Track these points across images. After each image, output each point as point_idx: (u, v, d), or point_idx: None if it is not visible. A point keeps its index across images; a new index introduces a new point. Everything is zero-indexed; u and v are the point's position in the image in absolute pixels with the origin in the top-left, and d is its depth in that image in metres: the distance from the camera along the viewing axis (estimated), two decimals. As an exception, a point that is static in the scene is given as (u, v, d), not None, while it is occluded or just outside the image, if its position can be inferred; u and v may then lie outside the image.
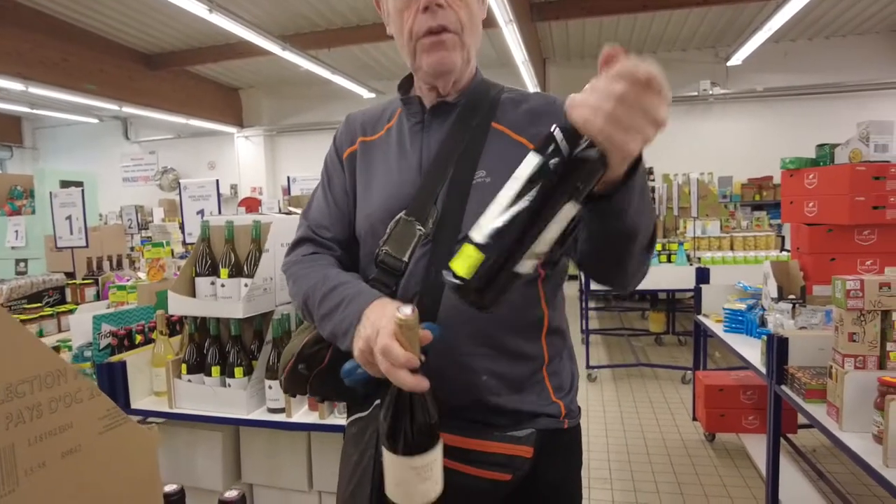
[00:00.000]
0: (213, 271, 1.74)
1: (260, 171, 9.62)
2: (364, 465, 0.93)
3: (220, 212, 2.91)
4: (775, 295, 2.60)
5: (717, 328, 2.80)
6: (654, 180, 7.33)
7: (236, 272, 1.73)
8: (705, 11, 6.29)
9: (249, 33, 5.56)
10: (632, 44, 7.25)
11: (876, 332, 1.65)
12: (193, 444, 1.85)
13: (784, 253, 4.38)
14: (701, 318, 3.10)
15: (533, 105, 0.97)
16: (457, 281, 0.64)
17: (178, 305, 1.75)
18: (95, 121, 10.03)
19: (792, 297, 2.55)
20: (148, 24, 6.30)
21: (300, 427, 1.68)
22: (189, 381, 1.75)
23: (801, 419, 2.30)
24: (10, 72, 5.73)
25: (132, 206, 8.32)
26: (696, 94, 7.57)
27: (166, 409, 1.76)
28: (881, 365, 1.65)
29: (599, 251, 0.82)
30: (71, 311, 2.78)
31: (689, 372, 4.05)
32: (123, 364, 1.77)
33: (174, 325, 2.07)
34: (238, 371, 1.71)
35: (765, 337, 2.13)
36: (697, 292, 3.18)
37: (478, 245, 0.63)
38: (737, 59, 7.01)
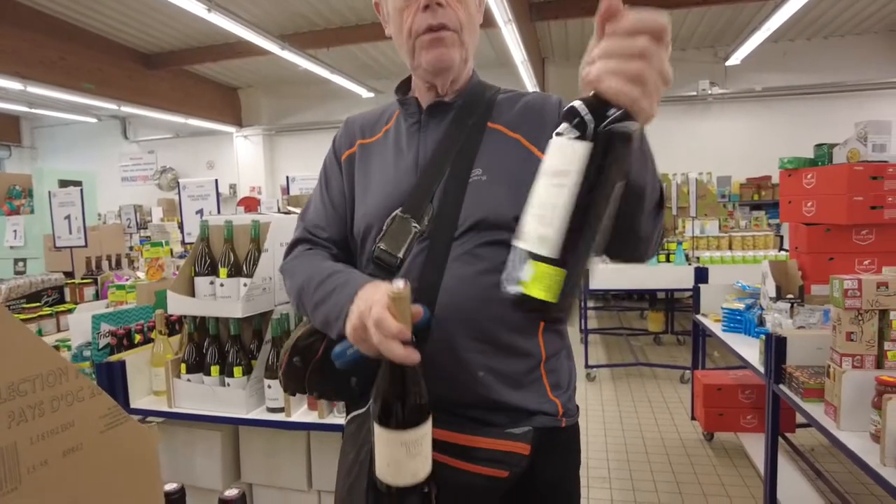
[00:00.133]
0: (213, 271, 1.74)
1: (259, 170, 9.61)
2: (361, 460, 0.93)
3: (219, 211, 2.91)
4: (774, 294, 2.61)
5: (716, 328, 2.80)
6: (652, 180, 7.31)
7: (235, 272, 1.73)
8: (704, 11, 6.29)
9: (248, 33, 5.56)
10: (631, 43, 7.22)
11: (873, 331, 1.65)
12: (192, 444, 1.85)
13: (782, 252, 4.39)
14: (699, 317, 3.10)
15: (527, 102, 0.99)
16: (541, 306, 0.57)
17: (178, 305, 1.75)
18: (94, 120, 10.02)
19: (790, 296, 2.55)
20: (147, 23, 6.29)
21: (299, 426, 1.68)
22: (188, 380, 1.76)
23: (800, 418, 2.30)
24: (9, 71, 5.72)
25: (131, 205, 8.32)
26: (694, 93, 7.58)
27: (165, 409, 1.77)
28: (879, 364, 1.66)
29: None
30: (70, 311, 2.77)
31: (688, 371, 4.06)
32: (122, 364, 1.77)
33: (173, 325, 2.07)
34: (237, 370, 1.71)
35: (763, 336, 2.13)
36: (696, 292, 3.19)
37: (552, 261, 0.56)
38: (735, 59, 7.02)
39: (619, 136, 0.56)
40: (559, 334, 0.99)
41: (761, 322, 2.54)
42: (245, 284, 1.69)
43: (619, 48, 0.56)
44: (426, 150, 0.97)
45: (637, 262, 0.87)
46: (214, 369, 1.74)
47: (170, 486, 0.61)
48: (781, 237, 4.79)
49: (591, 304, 5.98)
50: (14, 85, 6.08)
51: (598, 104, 0.57)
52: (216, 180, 2.94)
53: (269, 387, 1.68)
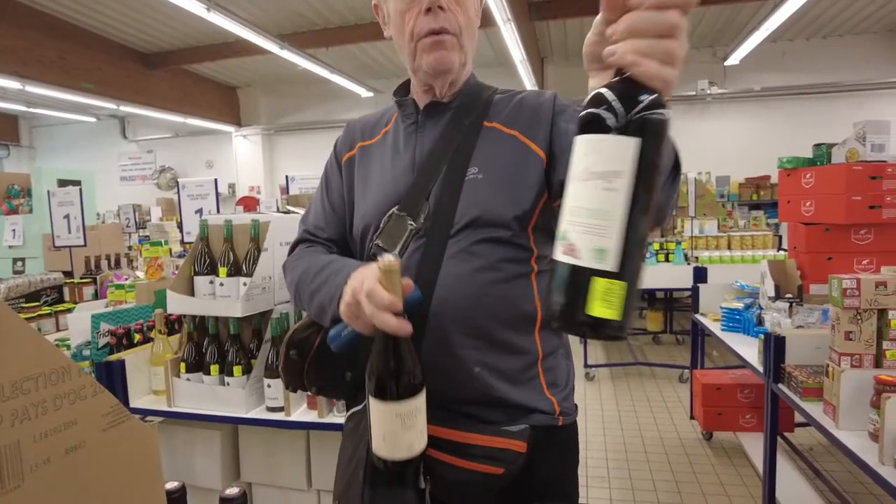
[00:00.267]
0: (212, 270, 1.74)
1: (258, 170, 9.60)
2: (359, 455, 0.95)
3: (218, 211, 2.91)
4: (772, 294, 2.61)
5: (715, 327, 2.81)
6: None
7: (235, 271, 1.73)
8: (703, 11, 6.30)
9: (247, 32, 5.55)
10: (630, 43, 7.23)
11: (872, 330, 1.66)
12: (192, 443, 1.86)
13: (781, 252, 4.39)
14: (698, 317, 3.11)
15: (522, 98, 1.00)
16: (607, 325, 0.52)
17: (177, 304, 1.75)
18: (93, 120, 10.00)
19: (789, 296, 2.56)
20: (145, 22, 6.28)
21: (299, 426, 1.68)
22: (188, 379, 1.76)
23: (798, 417, 2.31)
24: (7, 70, 5.71)
25: (130, 205, 8.31)
26: (693, 93, 7.58)
27: (165, 408, 1.77)
28: (877, 363, 1.66)
29: None
30: (69, 311, 2.77)
31: (687, 371, 4.07)
32: (122, 363, 1.77)
33: (173, 324, 2.07)
34: (237, 370, 1.71)
35: (762, 336, 2.14)
36: (695, 291, 3.19)
37: (614, 275, 0.51)
38: (734, 59, 7.02)
39: (662, 124, 0.52)
40: (557, 333, 0.99)
41: (760, 321, 2.54)
42: (244, 284, 1.69)
43: (651, 24, 0.50)
44: (423, 149, 0.98)
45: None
46: (214, 369, 1.74)
47: (171, 485, 0.62)
48: (780, 237, 4.80)
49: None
50: (12, 84, 6.07)
51: (629, 89, 0.51)
52: (215, 180, 2.94)
53: (269, 386, 1.69)
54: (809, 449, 3.04)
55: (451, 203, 0.91)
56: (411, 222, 0.92)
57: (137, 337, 2.02)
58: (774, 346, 2.02)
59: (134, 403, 1.80)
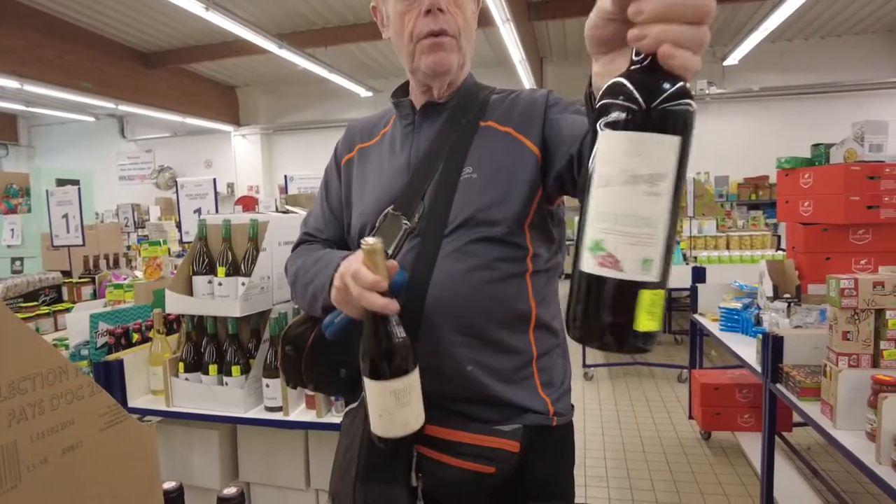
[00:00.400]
0: (211, 270, 1.74)
1: (257, 169, 9.60)
2: (352, 450, 0.96)
3: (217, 210, 2.91)
4: (771, 294, 2.62)
5: (713, 327, 2.81)
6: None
7: (233, 271, 1.73)
8: (702, 11, 6.29)
9: (246, 32, 5.55)
10: (629, 43, 7.24)
11: (870, 330, 1.66)
12: (190, 443, 1.85)
13: (780, 252, 4.40)
14: (697, 316, 3.11)
15: (517, 96, 1.01)
16: (649, 338, 0.49)
17: (176, 304, 1.75)
18: (91, 119, 10.00)
19: (787, 295, 2.56)
20: (144, 22, 6.28)
21: (297, 426, 1.68)
22: (186, 379, 1.76)
23: (796, 417, 2.31)
24: (6, 69, 5.70)
25: (129, 204, 8.30)
26: (692, 93, 7.60)
27: (163, 408, 1.77)
28: (875, 363, 1.66)
29: None
30: (67, 310, 2.77)
31: (686, 370, 4.07)
32: (120, 363, 1.77)
33: (171, 324, 2.07)
34: (235, 370, 1.71)
35: (760, 336, 2.14)
36: (694, 291, 3.20)
37: (656, 285, 0.48)
38: (733, 59, 7.03)
39: (694, 117, 0.48)
40: (553, 333, 0.99)
41: (758, 321, 2.55)
42: (243, 284, 1.69)
43: (689, 8, 0.46)
44: (419, 149, 0.99)
45: None
46: (212, 368, 1.74)
47: (168, 485, 0.62)
48: (779, 237, 4.81)
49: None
50: (11, 83, 6.06)
51: (660, 78, 0.46)
52: (214, 179, 2.93)
53: (268, 386, 1.69)
54: (807, 448, 3.04)
55: (446, 203, 0.92)
56: (406, 221, 0.93)
57: (136, 337, 2.02)
58: (772, 346, 2.02)
59: (132, 403, 1.80)
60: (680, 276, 4.05)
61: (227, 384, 1.73)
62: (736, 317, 2.70)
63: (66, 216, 3.49)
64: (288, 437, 1.78)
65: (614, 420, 3.67)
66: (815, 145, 2.79)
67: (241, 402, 1.69)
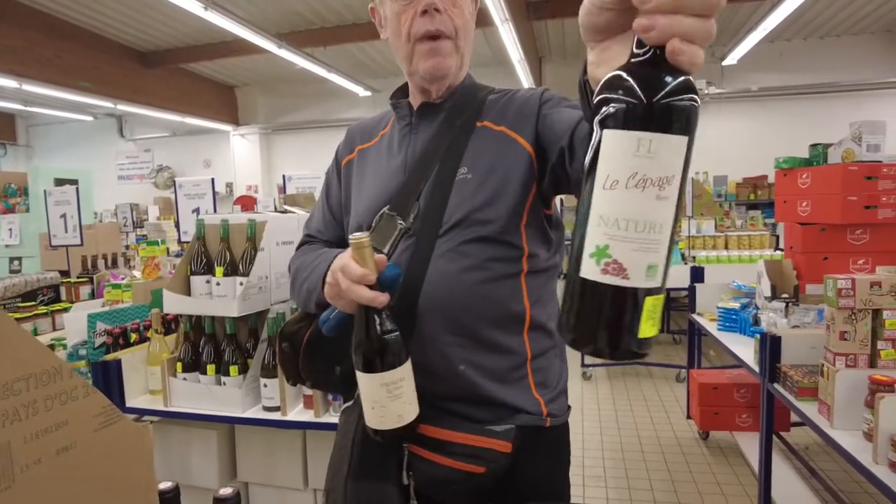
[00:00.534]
0: (209, 270, 1.74)
1: (255, 169, 9.59)
2: (346, 446, 0.97)
3: (215, 210, 2.91)
4: (769, 294, 2.62)
5: (712, 327, 2.81)
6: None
7: (231, 271, 1.73)
8: (701, 11, 6.29)
9: (245, 31, 5.54)
10: (628, 43, 7.24)
11: (867, 330, 1.66)
12: (188, 443, 1.85)
13: (778, 252, 4.40)
14: (695, 316, 3.12)
15: (513, 95, 1.01)
16: (651, 342, 0.48)
17: (174, 304, 1.75)
18: (90, 118, 9.98)
19: (785, 295, 2.57)
20: (143, 21, 6.27)
21: (295, 425, 1.68)
22: (184, 379, 1.76)
23: (794, 417, 2.32)
24: (4, 69, 5.69)
25: (127, 204, 8.29)
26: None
27: (161, 408, 1.77)
28: (872, 363, 1.67)
29: None
30: (65, 310, 2.77)
31: (684, 370, 4.07)
32: (118, 362, 1.77)
33: (169, 324, 2.07)
34: (233, 369, 1.71)
35: (758, 335, 2.14)
36: (692, 291, 3.20)
37: (658, 290, 0.47)
38: (732, 59, 7.03)
39: (698, 115, 0.45)
40: (548, 334, 0.99)
41: (756, 321, 2.55)
42: (241, 283, 1.69)
43: (696, 0, 0.43)
44: (415, 150, 0.99)
45: None
46: (210, 368, 1.74)
47: (164, 485, 0.62)
48: (777, 237, 4.81)
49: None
50: (9, 83, 6.05)
51: (661, 74, 0.44)
52: (212, 179, 2.94)
53: (266, 386, 1.69)
54: (805, 448, 3.04)
55: (441, 203, 0.92)
56: (401, 221, 0.94)
57: (134, 336, 2.02)
58: (770, 346, 2.03)
59: (130, 403, 1.80)
60: (678, 276, 4.05)
61: (225, 384, 1.72)
62: (734, 317, 2.70)
63: (64, 216, 3.49)
64: (286, 436, 1.78)
65: (612, 420, 3.67)
66: (814, 145, 2.79)
67: (239, 401, 1.69)
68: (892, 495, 1.34)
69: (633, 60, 0.46)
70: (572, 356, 1.14)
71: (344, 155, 1.12)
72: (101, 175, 9.43)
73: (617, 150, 0.44)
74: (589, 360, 4.62)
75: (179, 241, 3.20)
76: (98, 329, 2.02)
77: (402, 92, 1.07)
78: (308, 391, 1.69)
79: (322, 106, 9.14)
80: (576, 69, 0.56)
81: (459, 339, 0.91)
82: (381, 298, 0.79)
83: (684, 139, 0.44)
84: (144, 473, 0.56)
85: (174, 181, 3.05)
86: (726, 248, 4.59)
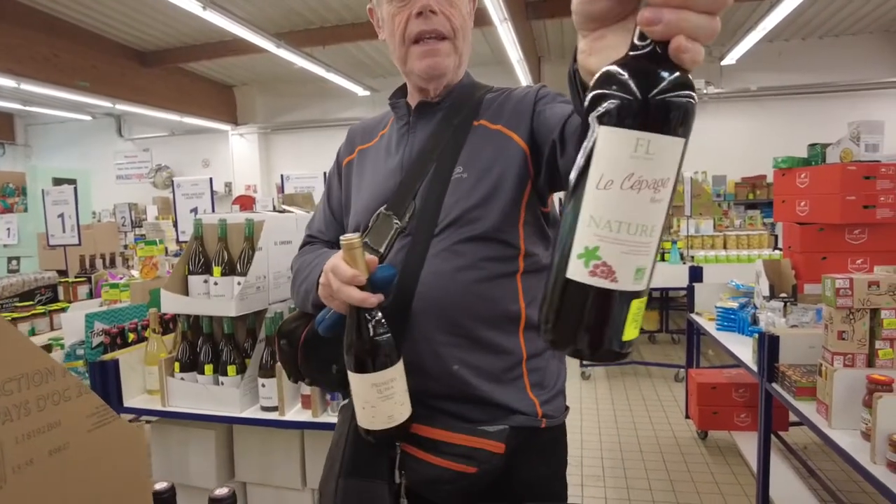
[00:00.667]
0: (206, 269, 1.74)
1: (254, 168, 9.58)
2: (339, 444, 0.98)
3: (213, 210, 2.90)
4: (767, 293, 2.62)
5: (710, 326, 2.82)
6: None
7: (229, 270, 1.72)
8: (700, 11, 6.29)
9: (243, 30, 5.53)
10: (626, 43, 7.24)
11: (865, 330, 1.66)
12: (186, 443, 1.85)
13: (777, 252, 4.40)
14: (694, 316, 3.12)
15: (510, 94, 1.01)
16: (631, 345, 0.47)
17: (171, 303, 1.75)
18: (88, 118, 9.96)
19: (783, 295, 2.57)
20: (141, 20, 6.26)
21: (293, 425, 1.68)
22: (182, 379, 1.75)
23: (792, 417, 2.32)
24: (2, 68, 5.67)
25: (126, 203, 8.28)
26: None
27: (159, 408, 1.76)
28: (870, 363, 1.67)
29: None
30: (63, 310, 2.77)
31: (682, 370, 4.07)
32: (116, 362, 1.77)
33: (167, 324, 2.06)
34: (231, 369, 1.71)
35: (756, 335, 2.14)
36: (690, 290, 3.20)
37: (644, 293, 0.46)
38: (731, 59, 7.03)
39: (694, 114, 0.43)
40: None
41: (755, 321, 2.55)
42: (239, 283, 1.69)
43: None
44: (412, 150, 0.99)
45: None
46: (208, 368, 1.73)
47: (159, 486, 0.61)
48: (776, 236, 4.81)
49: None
50: (7, 82, 6.04)
51: (663, 71, 0.42)
52: (210, 179, 2.93)
53: (263, 385, 1.68)
54: (803, 448, 3.05)
55: (436, 202, 0.92)
56: (397, 221, 0.94)
57: (132, 336, 2.02)
58: (768, 346, 2.03)
59: (128, 403, 1.80)
60: (677, 276, 4.06)
61: (222, 384, 1.72)
62: (732, 316, 2.70)
63: (62, 216, 3.48)
64: (284, 436, 1.78)
65: (611, 419, 3.67)
66: (812, 145, 2.80)
67: (237, 401, 1.68)
68: (890, 495, 1.34)
69: (632, 54, 0.43)
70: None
71: (345, 155, 1.12)
72: (100, 175, 9.42)
73: (614, 149, 0.42)
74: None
75: (178, 241, 3.20)
76: (96, 329, 2.01)
77: (402, 92, 1.08)
78: (306, 391, 1.69)
79: (321, 105, 9.13)
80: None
81: (454, 338, 0.91)
82: (371, 299, 0.79)
83: (682, 141, 0.43)
84: (139, 474, 0.56)
85: (172, 181, 3.05)
86: (725, 247, 4.59)
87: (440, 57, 0.94)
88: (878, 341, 1.66)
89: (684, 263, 4.26)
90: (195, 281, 1.74)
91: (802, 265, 2.66)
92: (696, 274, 3.46)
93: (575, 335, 0.46)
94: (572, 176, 0.46)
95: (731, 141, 7.75)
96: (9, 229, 4.53)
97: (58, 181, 4.90)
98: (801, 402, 1.83)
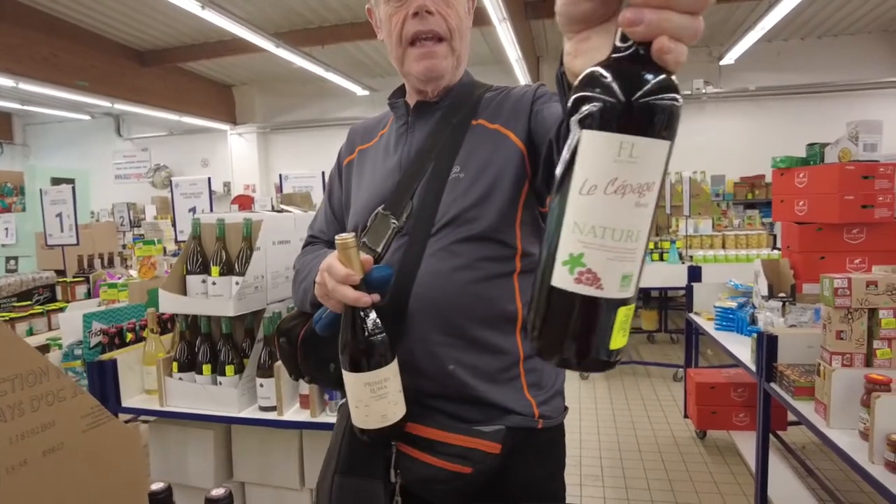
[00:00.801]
0: (205, 269, 1.74)
1: (253, 168, 9.57)
2: (335, 443, 0.99)
3: (211, 209, 2.90)
4: (766, 293, 2.62)
5: (709, 326, 2.82)
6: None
7: (227, 270, 1.72)
8: (698, 10, 6.29)
9: (242, 30, 5.53)
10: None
11: (863, 329, 1.66)
12: (185, 443, 1.85)
13: (776, 251, 4.41)
14: (693, 315, 3.12)
15: (508, 93, 1.01)
16: (621, 353, 0.46)
17: (170, 303, 1.74)
18: (87, 118, 9.95)
19: (782, 295, 2.57)
20: (140, 20, 6.25)
21: (291, 425, 1.68)
22: (180, 379, 1.75)
23: (791, 416, 2.32)
24: (0, 68, 5.67)
25: (124, 203, 8.26)
26: (689, 93, 7.59)
27: (157, 408, 1.76)
28: (868, 362, 1.67)
29: None
30: (61, 310, 2.76)
31: (681, 369, 4.07)
32: (114, 362, 1.76)
33: (165, 323, 2.06)
34: (229, 369, 1.71)
35: (755, 335, 2.14)
36: (689, 290, 3.20)
37: (631, 300, 0.45)
38: (730, 59, 7.03)
39: (679, 116, 0.42)
40: None
41: (753, 320, 2.55)
42: (237, 283, 1.69)
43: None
44: (410, 149, 0.99)
45: None
46: (206, 368, 1.73)
47: (156, 486, 0.61)
48: (775, 236, 4.81)
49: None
50: (6, 82, 6.03)
51: (644, 73, 0.41)
52: (209, 178, 2.93)
53: (262, 385, 1.68)
54: (802, 447, 3.05)
55: (434, 202, 0.92)
56: (394, 221, 0.94)
57: (130, 336, 2.01)
58: (767, 345, 2.03)
59: (126, 403, 1.79)
60: (676, 275, 4.07)
61: (221, 384, 1.72)
62: (731, 316, 2.70)
63: (60, 215, 3.48)
64: (282, 436, 1.78)
65: (610, 419, 3.67)
66: (810, 145, 2.80)
67: (235, 401, 1.68)
68: (889, 494, 1.34)
69: (614, 56, 0.43)
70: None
71: (345, 155, 1.13)
72: (98, 174, 9.41)
73: (597, 152, 0.41)
74: (586, 359, 4.61)
75: (176, 241, 3.19)
76: (94, 329, 2.01)
77: (401, 91, 1.07)
78: (304, 391, 1.68)
79: (320, 105, 9.12)
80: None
81: (450, 338, 0.90)
82: (365, 299, 0.80)
83: (667, 144, 0.41)
84: (135, 474, 0.55)
85: (171, 180, 3.05)
86: (723, 247, 4.59)
87: (437, 59, 0.94)
88: (877, 341, 1.66)
89: (683, 263, 4.26)
90: (193, 281, 1.74)
91: (801, 265, 2.66)
92: (694, 274, 3.46)
93: (561, 344, 0.45)
94: (556, 180, 0.45)
95: (729, 141, 7.75)
96: (7, 229, 4.52)
97: (56, 181, 4.90)
98: (799, 402, 1.83)
